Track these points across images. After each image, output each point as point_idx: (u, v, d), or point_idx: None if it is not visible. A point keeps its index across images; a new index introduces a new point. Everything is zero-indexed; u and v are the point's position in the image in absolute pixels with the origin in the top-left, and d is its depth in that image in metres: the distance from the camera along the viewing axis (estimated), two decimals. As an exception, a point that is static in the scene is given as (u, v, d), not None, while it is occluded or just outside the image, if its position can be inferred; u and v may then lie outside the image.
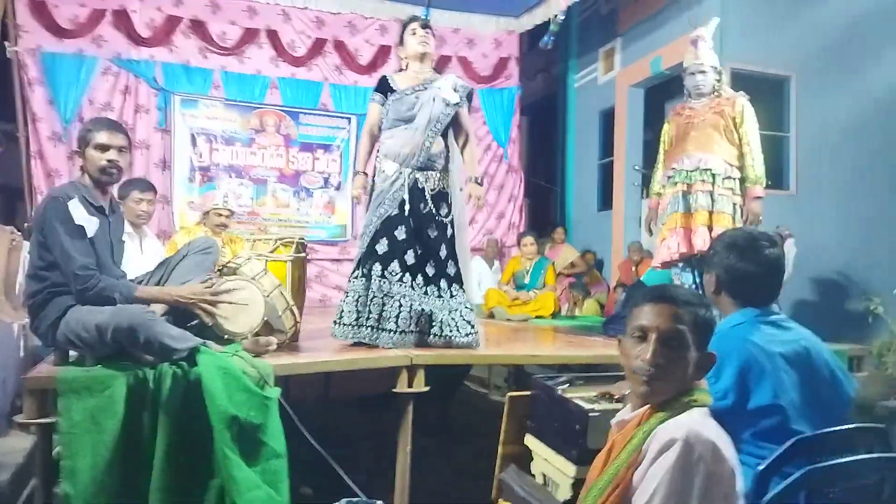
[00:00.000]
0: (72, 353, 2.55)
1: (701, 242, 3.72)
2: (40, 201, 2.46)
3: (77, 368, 2.30)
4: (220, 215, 4.38)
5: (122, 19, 6.45)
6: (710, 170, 3.79)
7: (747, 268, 1.90)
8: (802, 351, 1.82)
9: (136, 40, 6.51)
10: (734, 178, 3.81)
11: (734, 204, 3.79)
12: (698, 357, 1.45)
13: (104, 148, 2.43)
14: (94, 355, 2.35)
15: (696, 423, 1.34)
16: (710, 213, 3.78)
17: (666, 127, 4.20)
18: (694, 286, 3.96)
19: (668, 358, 1.42)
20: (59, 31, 6.22)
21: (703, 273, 2.09)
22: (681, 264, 3.98)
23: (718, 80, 3.96)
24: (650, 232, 4.25)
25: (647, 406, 1.47)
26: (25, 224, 5.79)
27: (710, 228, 3.75)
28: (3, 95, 5.87)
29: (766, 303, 1.92)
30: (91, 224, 2.41)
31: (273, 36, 7.01)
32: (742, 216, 3.79)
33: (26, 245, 4.60)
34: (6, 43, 5.94)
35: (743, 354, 1.75)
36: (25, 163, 6.14)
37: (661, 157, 4.22)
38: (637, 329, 1.47)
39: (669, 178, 4.02)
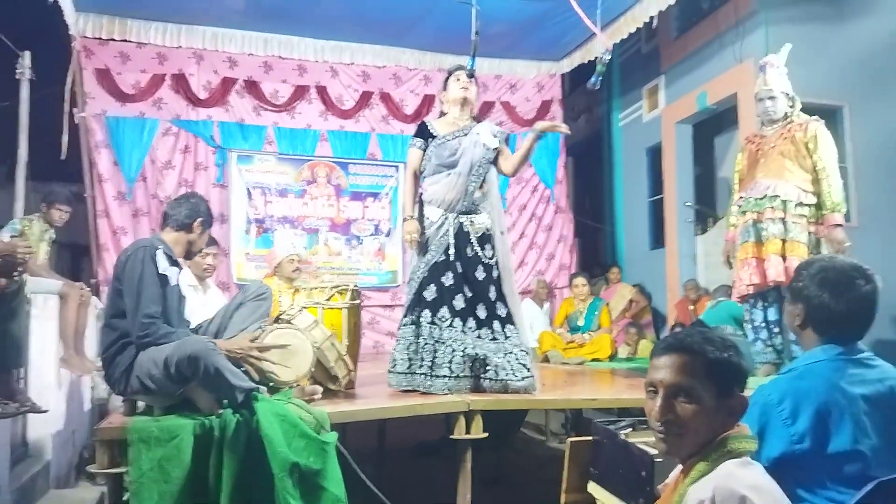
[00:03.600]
0: (140, 404, 2.62)
1: (774, 273, 3.58)
2: (123, 251, 2.59)
3: (146, 419, 2.37)
4: (293, 262, 4.51)
5: (181, 83, 6.79)
6: (780, 196, 3.65)
7: (838, 306, 1.75)
8: (887, 391, 1.70)
9: (194, 101, 6.83)
10: (808, 206, 3.65)
11: (810, 232, 3.63)
12: (727, 402, 1.37)
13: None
14: (161, 397, 2.42)
15: (724, 477, 1.27)
16: (784, 241, 3.62)
17: (739, 156, 4.08)
18: (764, 324, 3.82)
19: (680, 412, 1.36)
20: (122, 97, 6.58)
21: (787, 304, 1.94)
22: (751, 300, 3.84)
23: (791, 106, 3.82)
24: (730, 265, 4.08)
25: (681, 468, 1.41)
26: (92, 280, 6.06)
27: (784, 258, 3.59)
28: (72, 158, 6.21)
29: (854, 341, 1.79)
30: (173, 274, 2.54)
31: (322, 91, 7.26)
32: (818, 246, 3.61)
33: (94, 301, 4.81)
34: (75, 110, 6.32)
35: (822, 395, 1.65)
36: (92, 221, 6.45)
37: (735, 187, 4.08)
38: (649, 384, 1.42)
39: (739, 206, 3.90)
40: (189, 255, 2.76)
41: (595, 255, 9.53)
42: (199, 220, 2.69)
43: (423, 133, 3.46)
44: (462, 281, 3.26)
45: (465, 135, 3.38)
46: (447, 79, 3.53)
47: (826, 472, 1.63)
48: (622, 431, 2.26)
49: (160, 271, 2.47)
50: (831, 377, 1.70)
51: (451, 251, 3.25)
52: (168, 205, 2.76)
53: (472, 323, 3.24)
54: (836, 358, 1.75)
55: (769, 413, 1.70)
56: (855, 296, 1.75)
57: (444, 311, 3.19)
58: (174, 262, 2.62)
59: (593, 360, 5.37)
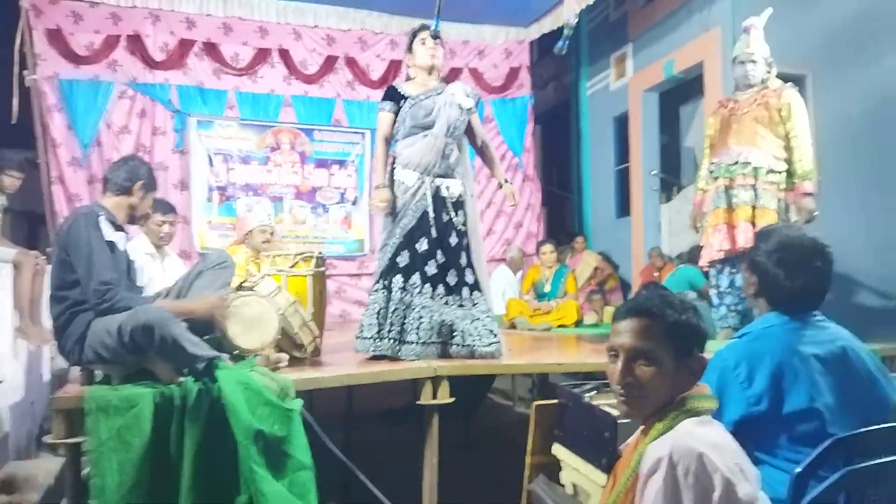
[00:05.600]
0: (97, 373, 2.57)
1: (743, 239, 3.61)
2: (63, 220, 2.51)
3: (104, 387, 2.32)
4: (264, 232, 4.43)
5: (137, 44, 6.54)
6: (752, 163, 3.66)
7: (794, 285, 1.78)
8: (839, 351, 1.75)
9: (151, 64, 6.58)
10: (779, 172, 3.67)
11: (779, 199, 3.66)
12: (686, 363, 1.39)
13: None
14: (118, 366, 2.37)
15: (682, 436, 1.29)
16: (754, 208, 3.65)
17: (710, 120, 4.07)
18: (729, 289, 3.87)
19: (640, 375, 1.38)
20: (75, 58, 6.31)
21: (742, 270, 1.99)
22: (719, 265, 3.89)
23: (768, 72, 3.82)
24: (696, 229, 4.12)
25: (642, 428, 1.44)
26: (48, 249, 5.88)
27: (754, 224, 3.62)
28: (23, 123, 5.96)
29: (805, 313, 1.82)
30: (119, 240, 2.47)
31: (285, 55, 7.07)
32: (787, 212, 3.66)
33: (49, 269, 4.67)
34: (25, 72, 6.04)
35: (776, 357, 1.70)
36: (46, 188, 6.22)
37: (706, 151, 4.09)
38: (610, 348, 1.44)
39: (711, 172, 3.91)
40: (132, 219, 2.66)
41: (562, 223, 9.59)
42: (140, 182, 2.59)
43: (394, 96, 3.36)
44: (436, 246, 3.23)
45: (439, 94, 3.31)
46: (412, 41, 3.44)
47: (783, 432, 1.68)
48: (586, 394, 2.29)
49: (106, 238, 2.40)
50: (785, 339, 1.75)
51: (431, 216, 3.21)
52: (107, 169, 2.66)
53: (441, 289, 3.23)
54: (789, 321, 1.80)
55: (726, 377, 1.74)
56: (810, 276, 1.79)
57: (415, 278, 3.17)
58: (118, 228, 2.54)
59: (559, 326, 5.43)
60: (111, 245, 2.42)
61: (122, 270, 2.49)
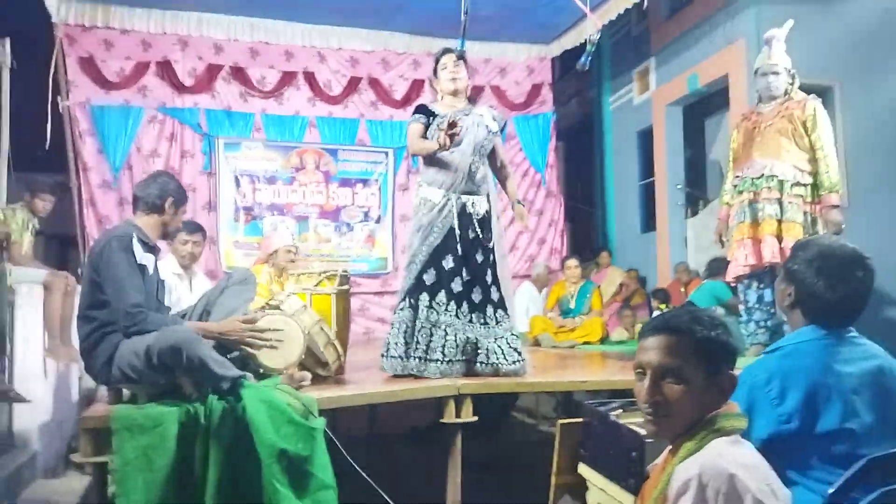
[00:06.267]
0: (125, 392, 2.59)
1: (770, 254, 3.55)
2: (96, 241, 2.53)
3: (130, 406, 2.34)
4: (290, 252, 4.46)
5: (166, 69, 6.71)
6: (777, 176, 3.60)
7: (833, 296, 1.70)
8: (874, 370, 1.68)
9: (180, 88, 6.75)
10: (805, 185, 3.60)
11: (805, 212, 3.59)
12: (716, 381, 1.35)
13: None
14: (145, 385, 2.39)
15: (712, 456, 1.25)
16: (780, 221, 3.58)
17: (734, 134, 4.01)
18: (757, 305, 3.80)
19: (668, 393, 1.34)
20: (106, 84, 6.50)
21: (778, 281, 1.90)
22: (746, 280, 3.82)
23: (791, 84, 3.76)
24: (722, 244, 4.06)
25: (670, 448, 1.40)
26: (79, 270, 5.99)
27: (780, 238, 3.56)
28: (56, 148, 6.12)
29: (843, 327, 1.75)
30: (150, 262, 2.49)
31: (310, 77, 7.19)
32: (814, 226, 3.58)
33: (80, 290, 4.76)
34: (59, 98, 6.22)
35: (810, 375, 1.64)
36: (78, 211, 6.37)
37: (729, 164, 4.03)
38: (637, 366, 1.41)
39: (735, 186, 3.85)
40: (165, 235, 2.68)
41: (586, 239, 9.52)
42: (170, 199, 2.59)
43: (424, 111, 3.38)
44: (462, 264, 3.21)
45: (467, 115, 3.32)
46: (436, 65, 3.47)
47: (815, 452, 1.62)
48: (612, 412, 2.25)
49: (138, 261, 2.41)
50: (819, 356, 1.68)
51: (457, 233, 3.20)
52: (136, 187, 2.66)
53: (465, 307, 3.21)
54: (824, 337, 1.73)
55: (757, 393, 1.69)
56: (851, 287, 1.71)
57: (441, 296, 3.16)
58: (150, 249, 2.55)
59: (584, 343, 5.37)
60: (142, 268, 2.44)
61: (150, 293, 2.51)
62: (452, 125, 3.06)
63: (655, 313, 6.06)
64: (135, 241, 2.44)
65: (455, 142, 3.19)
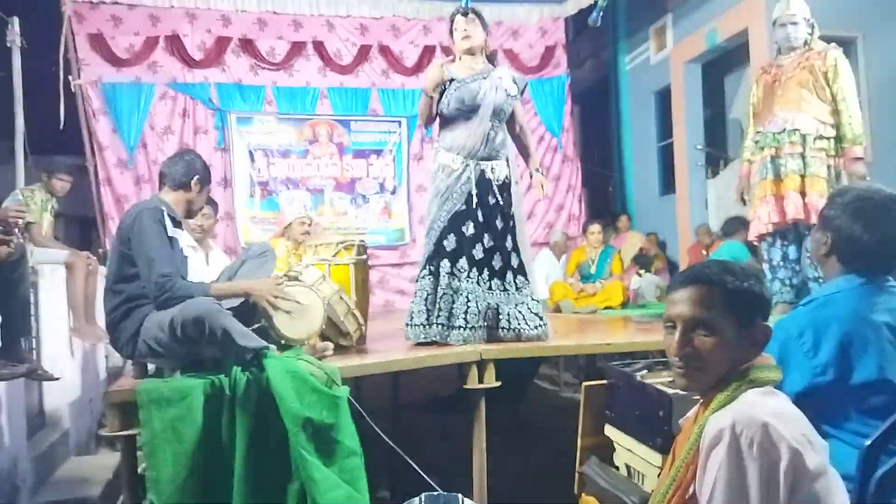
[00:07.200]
0: (150, 366, 2.61)
1: (794, 210, 3.47)
2: (126, 214, 2.55)
3: (156, 380, 2.35)
4: (303, 224, 4.47)
5: (175, 44, 6.65)
6: (799, 130, 3.50)
7: (871, 239, 1.66)
8: None
9: (190, 63, 6.70)
10: (828, 138, 3.50)
11: (828, 166, 3.50)
12: (749, 333, 1.32)
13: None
14: (170, 359, 2.40)
15: (745, 406, 1.22)
16: (803, 177, 3.50)
17: (753, 88, 3.91)
18: (782, 263, 3.73)
19: (699, 345, 1.31)
20: (116, 62, 6.47)
21: (814, 230, 1.86)
22: (770, 238, 3.75)
23: (811, 34, 3.65)
24: (743, 202, 3.97)
25: (701, 402, 1.37)
26: (100, 249, 6.04)
27: (804, 194, 3.48)
28: (70, 127, 6.12)
29: (880, 275, 1.70)
30: (179, 237, 2.53)
31: (319, 47, 7.10)
32: (838, 180, 3.48)
33: (102, 270, 4.80)
34: (70, 77, 6.20)
35: (845, 325, 1.60)
36: (95, 191, 6.40)
37: (749, 120, 3.93)
38: (667, 319, 1.37)
39: (756, 142, 3.76)
40: (190, 213, 2.70)
41: (604, 203, 9.41)
42: (196, 177, 2.62)
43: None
44: (483, 230, 3.17)
45: (485, 78, 3.23)
46: (451, 27, 3.38)
47: (851, 405, 1.58)
48: (638, 373, 2.23)
49: (169, 234, 2.44)
50: (854, 305, 1.64)
51: (475, 200, 3.16)
52: (164, 164, 2.68)
53: (486, 273, 3.19)
54: (859, 287, 1.69)
55: (790, 346, 1.65)
56: (889, 230, 1.67)
57: (462, 262, 3.13)
58: (177, 224, 2.57)
59: (605, 308, 5.33)
60: (172, 241, 2.46)
61: (178, 265, 2.52)
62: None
63: (635, 279, 6.00)
64: (165, 215, 2.46)
65: (471, 107, 3.13)
